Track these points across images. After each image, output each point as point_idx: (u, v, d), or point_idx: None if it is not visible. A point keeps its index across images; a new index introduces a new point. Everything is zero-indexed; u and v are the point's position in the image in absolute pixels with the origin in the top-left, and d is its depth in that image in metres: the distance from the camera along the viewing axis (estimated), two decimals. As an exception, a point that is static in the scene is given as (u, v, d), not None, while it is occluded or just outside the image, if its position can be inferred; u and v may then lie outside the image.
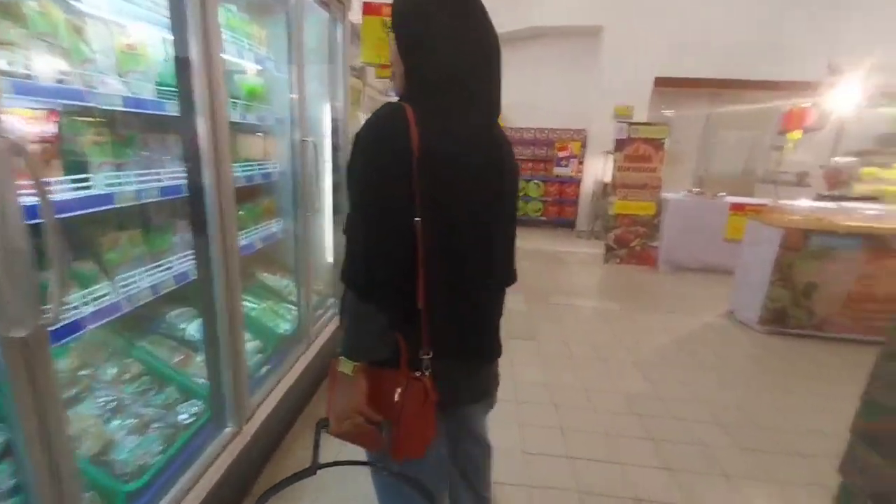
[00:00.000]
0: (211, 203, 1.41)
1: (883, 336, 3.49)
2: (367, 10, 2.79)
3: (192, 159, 1.39)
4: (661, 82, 7.32)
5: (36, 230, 0.96)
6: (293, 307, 2.42)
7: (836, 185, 5.63)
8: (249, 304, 2.23)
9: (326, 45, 2.60)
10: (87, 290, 1.40)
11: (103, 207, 1.41)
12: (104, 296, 1.45)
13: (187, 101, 1.35)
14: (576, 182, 8.10)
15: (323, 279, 2.98)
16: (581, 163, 8.01)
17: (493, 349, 1.08)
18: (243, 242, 2.12)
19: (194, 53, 1.29)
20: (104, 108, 1.41)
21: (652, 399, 2.70)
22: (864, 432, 1.36)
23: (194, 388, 1.63)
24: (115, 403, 1.41)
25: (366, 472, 1.13)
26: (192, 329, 1.86)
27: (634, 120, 6.55)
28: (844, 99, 5.65)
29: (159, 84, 1.68)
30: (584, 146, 7.98)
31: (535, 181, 8.38)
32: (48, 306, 0.96)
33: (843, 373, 3.13)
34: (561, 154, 8.08)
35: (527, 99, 7.91)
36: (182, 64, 1.33)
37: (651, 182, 5.76)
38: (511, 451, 2.12)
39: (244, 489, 1.69)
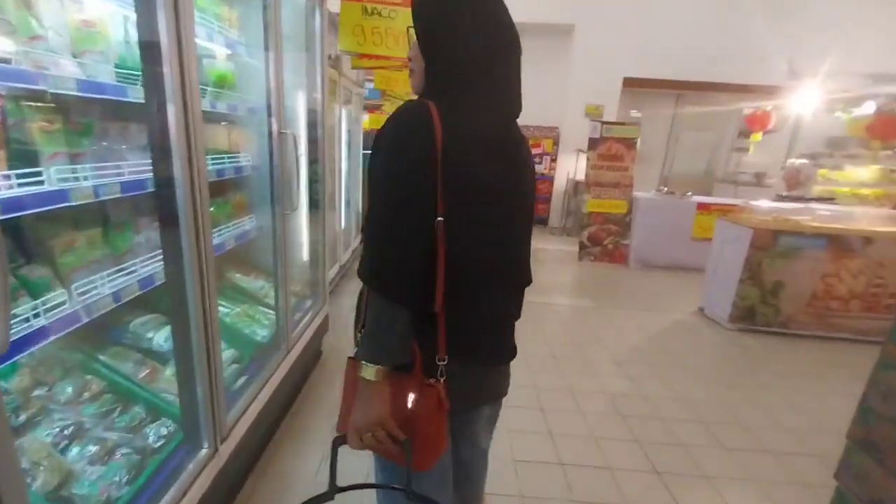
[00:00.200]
0: (183, 199, 1.26)
1: (842, 332, 3.64)
2: (346, -5, 2.65)
3: (160, 151, 1.23)
4: (629, 82, 7.45)
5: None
6: (270, 311, 2.27)
7: (795, 185, 5.89)
8: (222, 309, 2.07)
9: (303, 32, 2.44)
10: (38, 300, 1.22)
11: (56, 206, 1.24)
12: (59, 305, 1.28)
13: (155, 87, 1.20)
14: (548, 179, 8.15)
15: (300, 279, 2.83)
16: (554, 160, 8.07)
17: (509, 351, 1.06)
18: (215, 241, 1.96)
19: (164, 32, 1.14)
20: (56, 92, 1.24)
21: (634, 398, 2.71)
22: (861, 439, 1.37)
23: (164, 405, 1.47)
24: (74, 428, 1.25)
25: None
26: (160, 338, 1.70)
27: (605, 119, 6.64)
28: (804, 103, 5.91)
29: (120, 67, 1.51)
30: (556, 144, 8.03)
31: (508, 178, 8.36)
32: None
33: (812, 370, 3.25)
34: (534, 151, 8.11)
35: (499, 95, 7.86)
36: (148, 44, 1.17)
37: (623, 181, 5.85)
38: (502, 459, 2.07)
39: (220, 513, 1.56)
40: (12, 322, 1.03)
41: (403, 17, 2.45)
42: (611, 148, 5.81)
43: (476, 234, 0.91)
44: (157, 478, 1.27)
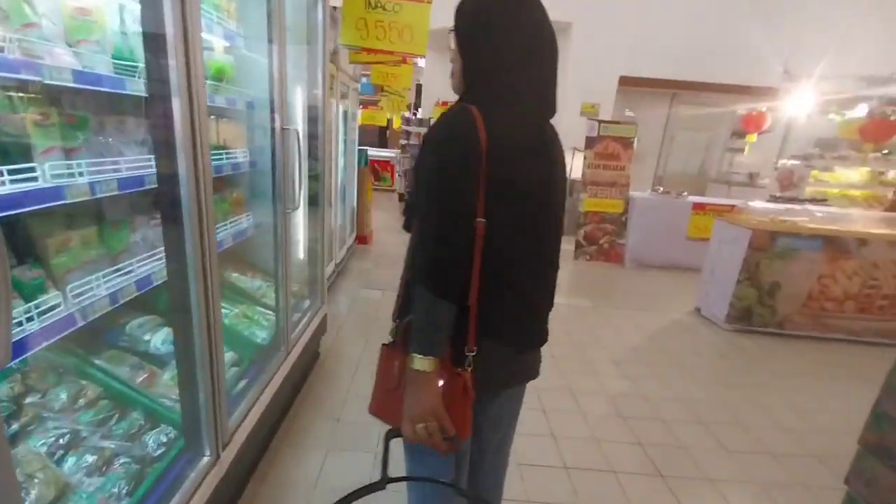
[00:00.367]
0: (187, 195, 1.20)
1: (837, 333, 3.65)
2: (348, -12, 2.59)
3: (164, 146, 1.17)
4: (625, 81, 7.44)
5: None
6: (268, 312, 2.21)
7: (789, 186, 5.95)
8: (221, 310, 2.01)
9: (304, 25, 2.37)
10: (32, 303, 1.16)
11: (51, 204, 1.17)
12: (53, 308, 1.22)
13: (160, 80, 1.14)
14: (543, 177, 8.12)
15: (298, 279, 2.77)
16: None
17: (539, 337, 1.11)
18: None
19: (170, 22, 1.08)
20: (51, 83, 1.17)
21: (635, 399, 2.70)
22: (874, 444, 1.37)
23: (163, 411, 1.42)
24: (69, 436, 1.19)
25: None
26: (157, 341, 1.64)
27: (601, 118, 6.63)
28: (798, 104, 5.96)
29: (116, 58, 1.44)
30: (551, 142, 8.01)
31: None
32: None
33: (808, 370, 3.28)
34: (529, 149, 8.07)
35: (495, 92, 7.81)
36: (153, 35, 1.11)
37: (620, 180, 5.85)
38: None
39: (221, 522, 1.50)
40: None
41: (408, 12, 2.41)
42: (608, 147, 5.80)
43: (513, 232, 0.95)
44: (158, 488, 1.22)
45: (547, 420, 2.41)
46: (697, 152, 8.47)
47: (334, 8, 2.74)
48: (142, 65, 1.41)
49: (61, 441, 1.17)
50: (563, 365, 3.04)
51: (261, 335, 2.01)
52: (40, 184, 1.17)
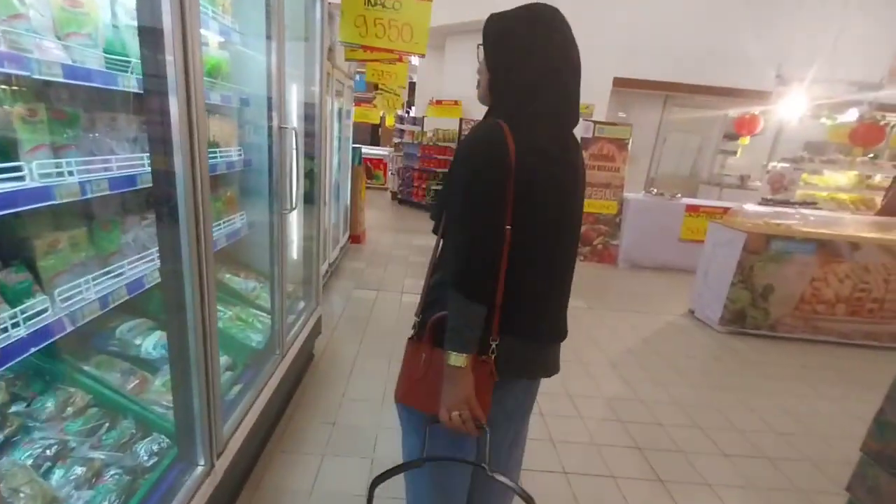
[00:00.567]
0: (184, 195, 1.15)
1: (828, 336, 3.68)
2: (346, -16, 2.53)
3: (161, 143, 1.13)
4: (618, 83, 7.46)
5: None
6: (262, 314, 2.16)
7: (779, 189, 6.00)
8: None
9: (302, 21, 2.32)
10: (18, 308, 1.11)
11: (38, 204, 1.12)
12: (41, 313, 1.16)
13: (156, 76, 1.09)
14: (537, 178, 8.11)
15: (292, 279, 2.72)
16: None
17: (558, 332, 1.18)
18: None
19: (167, 16, 1.03)
20: (39, 77, 1.12)
21: (632, 402, 2.69)
22: (876, 453, 1.36)
23: (155, 419, 1.37)
24: (57, 447, 1.14)
25: None
26: (148, 345, 1.59)
27: (594, 119, 6.63)
28: (790, 108, 6.01)
29: (108, 52, 1.39)
30: (545, 142, 8.00)
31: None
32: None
33: (801, 373, 3.31)
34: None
35: (488, 93, 7.79)
36: (150, 29, 1.06)
37: (614, 181, 5.86)
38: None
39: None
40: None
41: (408, 10, 2.37)
42: (603, 148, 5.80)
43: (536, 237, 1.02)
44: (150, 500, 1.17)
45: (546, 424, 2.39)
46: (689, 154, 8.52)
47: (329, 3, 2.69)
48: (135, 60, 1.36)
49: (48, 452, 1.12)
50: (561, 368, 3.02)
51: (255, 338, 1.96)
52: (27, 183, 1.12)
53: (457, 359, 0.99)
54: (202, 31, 1.77)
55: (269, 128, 1.87)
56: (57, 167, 1.20)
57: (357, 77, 6.22)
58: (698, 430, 2.46)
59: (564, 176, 1.04)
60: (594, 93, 7.46)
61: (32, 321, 1.13)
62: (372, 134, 13.76)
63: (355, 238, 5.66)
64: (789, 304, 3.76)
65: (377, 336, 3.30)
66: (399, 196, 9.12)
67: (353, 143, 5.72)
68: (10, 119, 1.14)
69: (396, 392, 1.17)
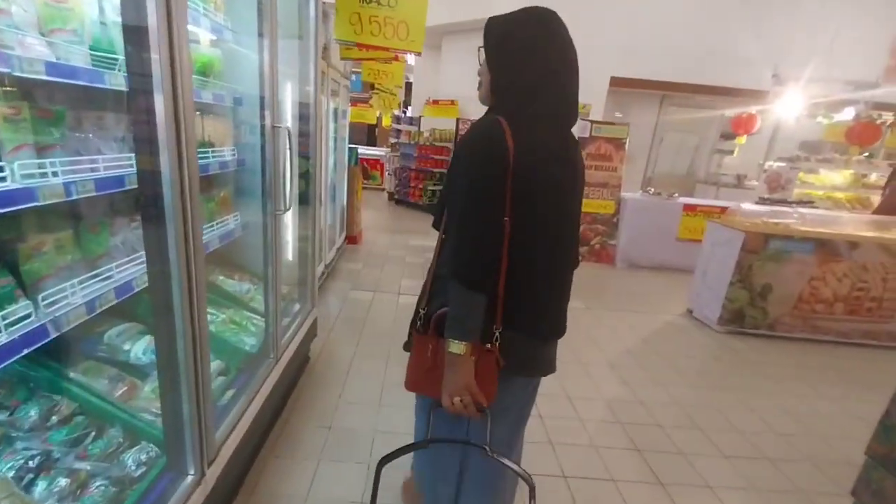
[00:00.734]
0: (172, 196, 1.11)
1: (826, 335, 3.67)
2: (340, -19, 2.50)
3: (147, 143, 1.09)
4: (615, 82, 7.44)
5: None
6: (256, 317, 2.12)
7: (776, 188, 6.00)
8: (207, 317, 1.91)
9: (296, 19, 2.29)
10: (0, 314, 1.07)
11: (21, 206, 1.08)
12: (24, 319, 1.13)
13: (141, 74, 1.05)
14: (534, 177, 8.08)
15: (287, 281, 2.68)
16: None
17: (558, 329, 1.22)
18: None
19: (153, 12, 0.99)
20: (22, 75, 1.08)
21: (632, 404, 2.67)
22: (882, 456, 1.34)
23: (144, 427, 1.33)
24: (40, 458, 1.10)
25: None
26: (138, 350, 1.55)
27: (591, 118, 6.61)
28: (787, 107, 6.01)
29: (95, 49, 1.35)
30: (542, 142, 7.97)
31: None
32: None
33: (800, 373, 3.29)
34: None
35: (484, 92, 7.75)
36: (134, 26, 1.02)
37: (611, 181, 5.84)
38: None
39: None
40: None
41: (404, 7, 2.33)
42: (600, 148, 5.78)
43: (535, 231, 1.05)
44: (139, 512, 1.13)
45: (544, 426, 2.36)
46: (686, 154, 8.52)
47: (324, 2, 2.65)
48: (122, 57, 1.32)
49: (31, 464, 1.08)
50: (560, 369, 2.97)
51: (249, 342, 1.92)
52: (9, 184, 1.08)
53: (457, 346, 1.03)
54: (193, 28, 1.75)
55: (262, 127, 1.82)
56: (40, 168, 1.17)
57: (353, 77, 6.18)
58: (698, 432, 2.44)
59: (564, 175, 1.07)
60: (591, 92, 7.45)
61: (15, 327, 1.09)
62: (369, 134, 13.72)
63: (352, 239, 5.62)
64: (788, 304, 3.75)
65: (374, 337, 3.26)
66: (396, 196, 9.08)
67: (350, 143, 5.68)
68: (-9, 118, 1.10)
69: (406, 381, 1.23)
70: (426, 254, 1.26)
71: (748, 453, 2.30)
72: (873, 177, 6.58)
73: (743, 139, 6.78)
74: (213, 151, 1.99)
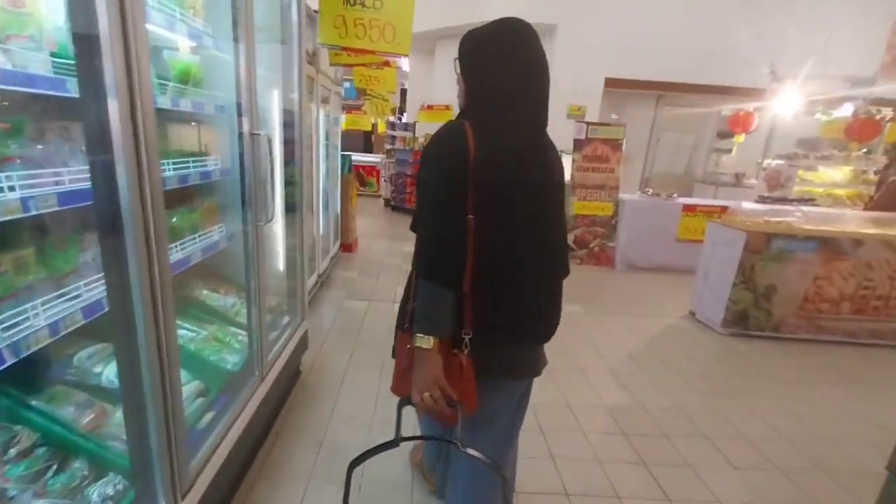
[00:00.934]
0: (131, 210, 1.03)
1: (833, 335, 3.58)
2: (324, -16, 2.43)
3: (100, 155, 1.01)
4: (611, 83, 7.39)
5: None
6: (242, 332, 2.04)
7: (776, 186, 5.93)
8: (187, 334, 1.83)
9: (279, 24, 2.22)
10: (-54, 342, 0.99)
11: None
12: (-25, 345, 1.04)
13: (92, 81, 0.98)
14: (531, 181, 8.02)
15: (276, 292, 2.60)
16: (562, 165, 7.94)
17: (540, 331, 1.20)
18: (178, 256, 1.73)
19: (103, 16, 0.92)
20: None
21: (636, 412, 2.58)
22: (905, 469, 1.25)
23: (112, 458, 1.24)
24: (-6, 497, 1.01)
25: None
26: (110, 373, 1.46)
27: (587, 120, 6.56)
28: (784, 105, 5.95)
29: (59, 56, 1.27)
30: (538, 144, 7.91)
31: (491, 179, 8.20)
32: None
33: (806, 375, 3.20)
34: (516, 152, 7.97)
35: (480, 95, 7.70)
36: (84, 31, 0.95)
37: (609, 182, 5.77)
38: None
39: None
40: None
41: (390, 8, 2.26)
42: (596, 149, 5.72)
43: (502, 229, 1.06)
44: (102, 552, 1.04)
45: (545, 440, 2.27)
46: (683, 153, 8.45)
47: (315, 11, 2.59)
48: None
49: (-17, 504, 0.99)
50: (559, 377, 2.91)
51: (232, 360, 1.83)
52: (-43, 202, 1.00)
53: (422, 340, 1.04)
54: (170, 34, 1.67)
55: (240, 134, 1.75)
56: (-6, 182, 1.09)
57: (348, 84, 6.12)
58: (705, 441, 2.35)
59: (535, 176, 1.09)
60: (586, 94, 7.40)
61: (-36, 355, 1.01)
62: (365, 141, 13.67)
63: (347, 247, 5.54)
64: (793, 304, 3.66)
65: (368, 347, 3.17)
66: (392, 203, 9.01)
67: (346, 150, 5.61)
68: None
69: (392, 384, 1.23)
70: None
71: (757, 463, 2.21)
72: (872, 173, 6.51)
73: (741, 137, 6.72)
74: (194, 161, 1.92)
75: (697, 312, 4.12)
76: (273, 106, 2.38)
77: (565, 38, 7.18)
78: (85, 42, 0.93)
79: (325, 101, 4.18)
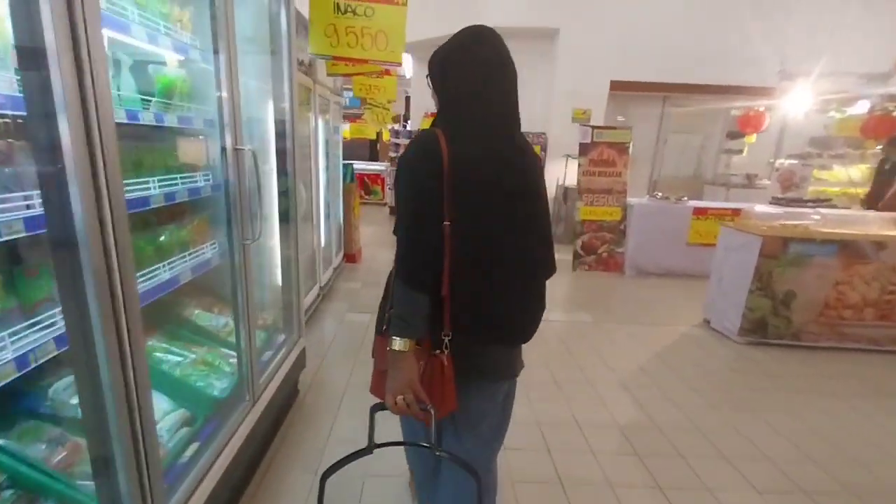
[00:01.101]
0: (87, 235, 0.95)
1: (856, 343, 3.40)
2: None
3: (50, 179, 0.94)
4: (616, 86, 7.28)
5: None
6: (234, 353, 1.95)
7: (790, 187, 5.75)
8: (173, 358, 1.75)
9: (267, 35, 2.16)
10: None
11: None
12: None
13: (40, 97, 0.90)
14: (537, 186, 7.91)
15: (272, 307, 2.52)
16: (542, 167, 7.84)
17: (517, 331, 1.19)
18: (166, 276, 1.66)
19: (49, 27, 0.84)
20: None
21: (649, 430, 2.44)
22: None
23: (83, 498, 1.16)
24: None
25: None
26: (88, 404, 1.38)
27: (593, 123, 6.45)
28: (796, 104, 5.78)
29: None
30: (544, 150, 7.82)
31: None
32: None
33: (829, 386, 3.04)
34: (521, 158, 7.87)
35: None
36: (28, 45, 0.88)
37: (616, 187, 5.64)
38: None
39: None
40: None
41: (381, 16, 2.19)
42: (602, 153, 5.60)
43: (478, 232, 1.07)
44: None
45: (552, 462, 2.15)
46: (692, 155, 8.29)
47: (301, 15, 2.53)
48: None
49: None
50: (568, 392, 2.79)
51: (220, 385, 1.75)
52: None
53: (398, 343, 1.04)
54: (153, 47, 1.61)
55: (223, 149, 1.68)
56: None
57: (350, 94, 6.08)
58: (725, 462, 2.21)
59: (506, 176, 1.09)
60: (591, 97, 7.30)
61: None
62: (370, 149, 13.66)
63: (350, 257, 5.47)
64: (813, 311, 3.50)
65: (369, 362, 3.03)
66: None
67: (352, 159, 5.56)
68: None
69: (370, 385, 1.26)
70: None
71: (782, 487, 2.06)
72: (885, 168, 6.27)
73: (753, 138, 6.55)
74: (182, 177, 1.85)
75: (713, 321, 3.96)
76: (268, 117, 2.31)
77: (568, 42, 7.09)
78: (30, 55, 0.85)
79: (324, 110, 4.13)
